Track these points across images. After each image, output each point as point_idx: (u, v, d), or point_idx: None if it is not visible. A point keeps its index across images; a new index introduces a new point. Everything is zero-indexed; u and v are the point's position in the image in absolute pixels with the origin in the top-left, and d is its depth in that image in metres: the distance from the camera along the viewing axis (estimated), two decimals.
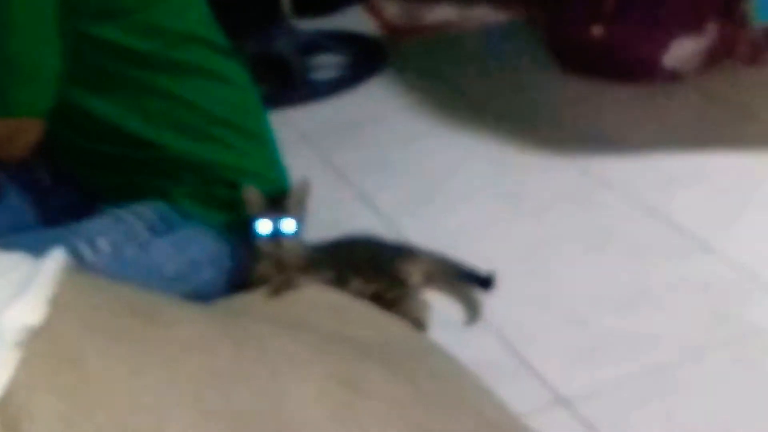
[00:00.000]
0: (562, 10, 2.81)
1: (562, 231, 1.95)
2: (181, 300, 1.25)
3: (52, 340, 0.85)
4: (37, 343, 0.83)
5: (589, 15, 2.61)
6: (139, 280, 1.39)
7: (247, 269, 1.51)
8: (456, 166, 2.27)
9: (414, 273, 1.65)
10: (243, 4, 3.02)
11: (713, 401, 1.46)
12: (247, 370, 0.98)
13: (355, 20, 3.36)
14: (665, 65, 2.54)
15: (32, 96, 1.42)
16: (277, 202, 1.48)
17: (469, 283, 1.73)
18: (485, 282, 1.71)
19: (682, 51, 2.52)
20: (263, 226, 1.46)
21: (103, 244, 1.44)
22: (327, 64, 2.98)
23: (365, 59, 3.01)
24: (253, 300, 1.45)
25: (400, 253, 1.69)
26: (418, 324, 1.56)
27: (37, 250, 0.97)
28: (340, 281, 1.52)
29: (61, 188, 1.65)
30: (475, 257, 1.76)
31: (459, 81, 2.79)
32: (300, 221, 1.48)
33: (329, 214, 1.87)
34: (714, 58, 2.56)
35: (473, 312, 1.69)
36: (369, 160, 2.36)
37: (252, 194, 1.47)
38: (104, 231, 1.46)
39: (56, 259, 0.96)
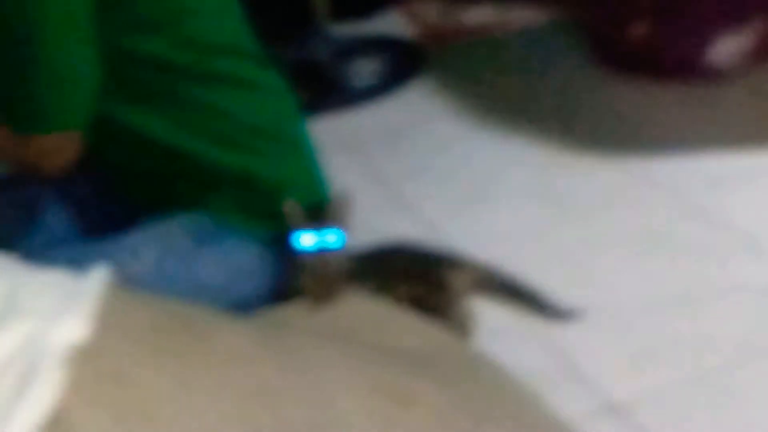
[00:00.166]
0: (602, 10, 2.79)
1: (609, 234, 1.93)
2: (223, 312, 1.24)
3: (98, 357, 0.85)
4: (83, 361, 0.83)
5: (629, 14, 2.59)
6: (181, 292, 1.38)
7: (289, 280, 1.50)
8: (498, 170, 2.26)
9: (458, 280, 1.64)
10: (279, 11, 3.04)
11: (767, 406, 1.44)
12: (291, 382, 0.97)
13: (392, 24, 3.36)
14: (709, 63, 2.51)
15: (71, 111, 1.42)
16: (319, 215, 1.47)
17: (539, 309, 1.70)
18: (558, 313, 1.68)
19: (727, 48, 2.49)
20: (306, 240, 1.45)
21: (145, 256, 1.45)
22: (365, 70, 2.98)
23: (403, 64, 3.01)
24: (295, 311, 1.45)
25: (445, 260, 1.67)
26: (463, 330, 1.54)
27: (80, 263, 0.97)
28: (382, 289, 1.52)
29: (102, 201, 1.65)
30: (519, 262, 1.74)
31: (499, 84, 2.77)
32: (343, 233, 1.47)
33: (370, 221, 1.85)
34: (760, 56, 2.53)
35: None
36: (409, 166, 2.36)
37: (292, 208, 1.46)
38: (146, 243, 1.46)
39: (100, 274, 0.96)
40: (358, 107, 2.77)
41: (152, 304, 1.01)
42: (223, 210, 1.51)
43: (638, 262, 1.82)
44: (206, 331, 0.99)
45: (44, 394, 0.77)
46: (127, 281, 1.33)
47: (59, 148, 1.44)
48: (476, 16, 3.34)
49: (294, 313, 1.43)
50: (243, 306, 1.45)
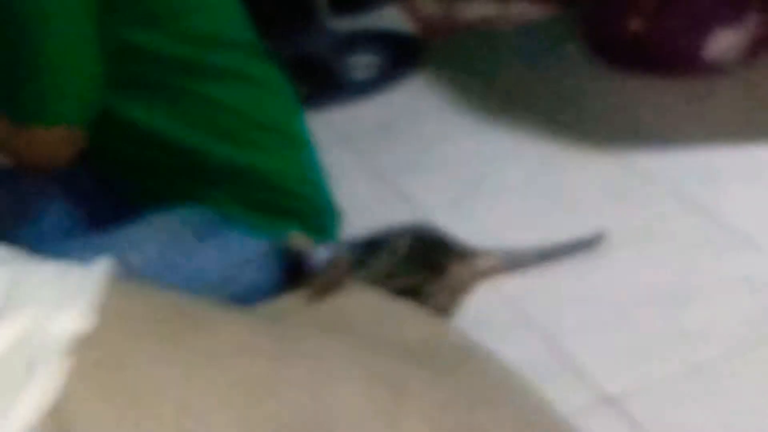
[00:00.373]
0: (600, 5, 2.80)
1: (606, 227, 1.93)
2: (225, 304, 1.26)
3: (102, 348, 0.87)
4: (86, 351, 0.85)
5: (628, 9, 2.60)
6: (184, 285, 1.40)
7: (293, 276, 1.52)
8: (496, 164, 2.27)
9: (461, 271, 1.65)
10: (278, 5, 3.04)
11: (760, 398, 1.46)
12: (291, 372, 0.99)
13: (392, 19, 3.36)
14: (706, 58, 2.52)
15: (72, 105, 1.43)
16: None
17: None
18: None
19: (723, 43, 2.50)
20: (319, 255, 1.47)
21: (148, 249, 1.46)
22: (364, 64, 2.98)
23: (402, 58, 3.01)
24: (295, 303, 1.46)
25: (455, 250, 1.69)
26: (441, 311, 1.56)
27: (84, 257, 0.99)
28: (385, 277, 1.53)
29: (106, 195, 1.67)
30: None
31: (497, 78, 2.78)
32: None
33: (368, 214, 1.87)
34: (755, 51, 2.54)
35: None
36: (407, 159, 2.37)
37: (298, 239, 1.48)
38: (149, 236, 1.48)
39: (103, 266, 0.97)
40: (357, 101, 2.78)
41: (153, 296, 1.03)
42: (224, 203, 1.52)
43: (634, 256, 1.83)
44: (207, 321, 1.00)
45: (47, 383, 0.80)
46: (128, 274, 1.35)
47: (61, 141, 1.45)
48: (475, 10, 3.35)
49: (294, 305, 1.44)
50: (245, 297, 1.47)
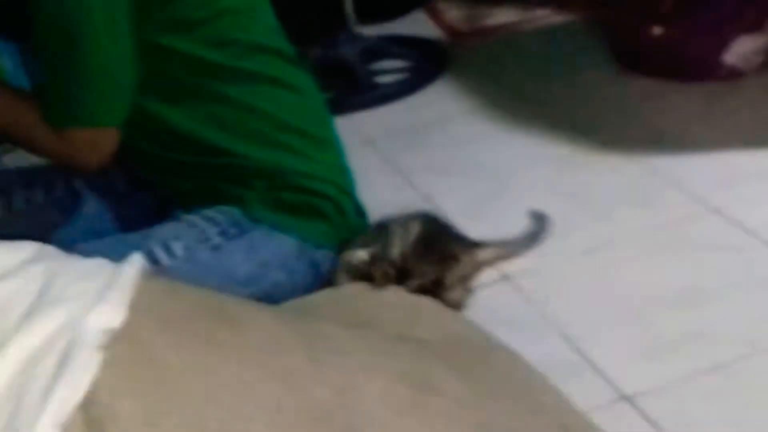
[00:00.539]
0: (622, 11, 2.80)
1: (627, 230, 1.94)
2: (253, 302, 1.28)
3: (133, 343, 0.88)
4: (118, 346, 0.85)
5: (648, 15, 2.60)
6: (213, 283, 1.41)
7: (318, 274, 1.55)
8: (519, 168, 2.27)
9: (467, 263, 1.67)
10: (308, 11, 3.06)
11: None
12: (317, 369, 0.99)
13: (418, 25, 3.38)
14: (726, 63, 2.52)
15: (109, 106, 1.46)
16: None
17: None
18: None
19: (743, 49, 2.50)
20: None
21: (177, 248, 1.48)
22: (391, 69, 3.00)
23: (428, 63, 3.03)
24: (323, 299, 1.48)
25: (464, 242, 1.71)
26: (456, 305, 1.58)
27: (115, 255, 1.01)
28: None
29: (137, 195, 1.69)
30: (539, 257, 1.78)
31: (521, 83, 2.79)
32: None
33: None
34: None
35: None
36: (433, 163, 2.38)
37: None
38: (179, 236, 1.50)
39: (134, 264, 0.99)
40: (385, 106, 2.79)
41: (184, 293, 1.05)
42: (254, 203, 1.54)
43: (655, 258, 1.83)
44: (236, 318, 1.02)
45: (81, 377, 0.81)
46: (159, 272, 1.38)
47: (96, 142, 1.48)
48: (499, 16, 3.36)
49: (319, 302, 1.46)
50: (272, 296, 1.49)
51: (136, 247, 1.09)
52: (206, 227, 1.51)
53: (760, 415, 1.43)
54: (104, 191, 1.68)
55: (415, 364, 1.13)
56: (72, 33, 1.38)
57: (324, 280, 1.58)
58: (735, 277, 1.74)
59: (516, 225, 1.94)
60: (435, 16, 3.48)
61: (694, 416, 1.45)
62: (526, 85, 2.76)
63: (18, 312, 0.86)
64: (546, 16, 3.28)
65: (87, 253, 1.00)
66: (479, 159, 2.36)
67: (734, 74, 2.53)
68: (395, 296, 1.50)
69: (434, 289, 1.53)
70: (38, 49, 1.44)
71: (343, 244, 1.59)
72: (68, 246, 1.04)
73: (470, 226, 1.75)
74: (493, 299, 1.70)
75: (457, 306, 1.58)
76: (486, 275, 1.75)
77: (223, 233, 1.51)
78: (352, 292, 1.51)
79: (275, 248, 1.54)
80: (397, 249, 1.57)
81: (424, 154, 2.43)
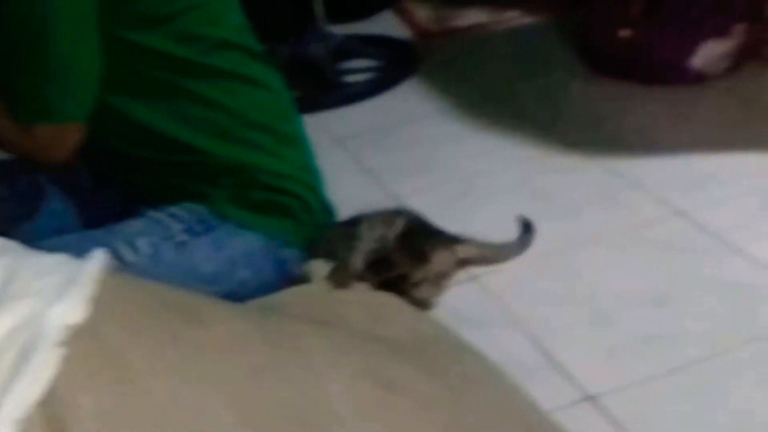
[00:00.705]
0: (591, 13, 2.83)
1: (592, 231, 1.96)
2: (218, 299, 1.27)
3: (94, 339, 0.87)
4: (79, 342, 0.85)
5: (617, 18, 2.63)
6: (177, 281, 1.41)
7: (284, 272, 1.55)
8: (487, 168, 2.29)
9: (439, 260, 1.67)
10: (277, 9, 3.06)
11: (740, 399, 1.47)
12: (282, 367, 0.99)
13: (387, 25, 3.39)
14: (693, 67, 2.55)
15: (74, 101, 1.44)
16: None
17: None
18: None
19: (710, 53, 2.53)
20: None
21: (142, 245, 1.47)
22: (360, 69, 3.01)
23: (397, 63, 3.04)
24: (288, 298, 1.47)
25: (436, 236, 1.71)
26: (423, 304, 1.58)
27: (79, 251, 1.00)
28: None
29: (102, 191, 1.67)
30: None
31: (489, 83, 2.81)
32: None
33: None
34: (741, 60, 2.57)
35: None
36: (401, 163, 2.39)
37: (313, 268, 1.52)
38: (143, 232, 1.49)
39: (98, 259, 0.98)
40: (353, 105, 2.80)
41: (148, 290, 1.04)
42: (220, 201, 1.53)
43: (619, 259, 1.85)
44: (200, 315, 1.01)
45: (41, 373, 0.80)
46: (124, 269, 1.37)
47: (61, 137, 1.46)
48: (468, 17, 3.37)
49: (285, 300, 1.45)
50: (238, 294, 1.48)
51: (101, 244, 1.08)
52: (171, 224, 1.50)
53: (722, 415, 1.45)
54: (69, 187, 1.66)
55: (381, 362, 1.13)
56: (36, 27, 1.37)
57: (290, 278, 1.58)
58: (698, 278, 1.76)
59: (483, 225, 1.94)
60: (404, 16, 3.49)
61: (656, 416, 1.46)
62: (495, 86, 2.78)
63: None
64: (515, 18, 3.31)
65: (50, 249, 0.99)
66: (447, 159, 2.37)
67: (700, 78, 2.56)
68: (361, 295, 1.50)
69: (399, 285, 1.54)
70: (2, 43, 1.42)
71: (313, 241, 1.60)
72: (31, 242, 1.03)
73: (437, 224, 1.75)
74: (459, 298, 1.71)
75: (424, 304, 1.58)
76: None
77: (188, 230, 1.50)
78: (318, 290, 1.51)
79: (241, 246, 1.53)
80: (367, 247, 1.58)
81: (392, 153, 2.44)
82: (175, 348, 0.93)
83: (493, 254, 1.80)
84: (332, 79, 2.94)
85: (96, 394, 0.83)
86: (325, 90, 2.90)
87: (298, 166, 1.64)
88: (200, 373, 0.91)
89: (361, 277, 1.54)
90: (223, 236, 1.52)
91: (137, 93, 1.49)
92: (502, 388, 1.31)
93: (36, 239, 1.32)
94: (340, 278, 1.49)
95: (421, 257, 1.63)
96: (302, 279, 1.56)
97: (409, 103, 2.75)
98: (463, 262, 1.74)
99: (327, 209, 1.69)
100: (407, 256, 1.61)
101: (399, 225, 1.65)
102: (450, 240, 1.72)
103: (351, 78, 2.97)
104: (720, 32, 2.52)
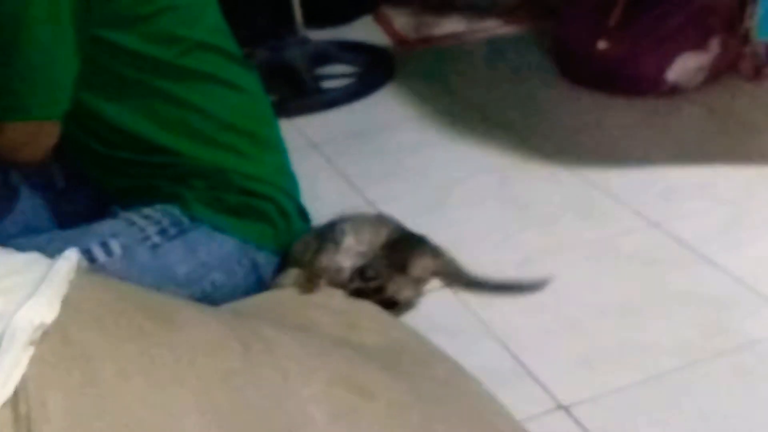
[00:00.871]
0: (568, 25, 2.84)
1: (566, 240, 1.96)
2: (191, 302, 1.27)
3: (64, 339, 0.88)
4: (49, 342, 0.86)
5: (595, 29, 2.65)
6: (151, 282, 1.41)
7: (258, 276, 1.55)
8: (463, 175, 2.29)
9: (420, 267, 1.68)
10: (256, 13, 3.06)
11: (711, 410, 1.47)
12: (254, 371, 1.00)
13: (366, 31, 3.40)
14: (669, 79, 2.57)
15: (49, 100, 1.44)
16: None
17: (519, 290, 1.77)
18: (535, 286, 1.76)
19: (686, 66, 2.55)
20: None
21: (115, 246, 1.47)
22: (337, 74, 3.01)
23: (375, 69, 3.04)
24: (261, 302, 1.47)
25: (418, 245, 1.71)
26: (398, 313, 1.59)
27: (51, 251, 1.00)
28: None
29: (76, 191, 1.67)
30: (479, 264, 1.79)
31: (467, 91, 2.82)
32: None
33: None
34: (716, 73, 2.59)
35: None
36: (377, 168, 2.39)
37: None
38: (116, 233, 1.49)
39: (69, 259, 0.98)
40: (330, 110, 2.80)
41: (120, 291, 1.04)
42: (195, 203, 1.54)
43: (592, 269, 1.85)
44: (171, 317, 1.01)
45: (10, 372, 0.81)
46: (96, 270, 1.36)
47: (36, 136, 1.46)
48: (447, 26, 3.38)
49: (260, 304, 1.46)
50: (211, 297, 1.49)
51: (73, 244, 1.08)
52: (145, 226, 1.51)
53: (694, 425, 1.45)
54: (42, 186, 1.66)
55: (354, 368, 1.14)
56: (11, 24, 1.36)
57: (265, 282, 1.58)
58: (671, 289, 1.76)
59: (458, 232, 1.95)
60: (383, 23, 3.50)
61: (629, 426, 1.46)
62: (472, 95, 2.79)
63: None
64: (494, 27, 3.32)
65: (22, 249, 1.01)
66: (423, 166, 2.37)
67: (676, 90, 2.58)
68: (336, 301, 1.50)
69: (375, 295, 1.54)
70: None
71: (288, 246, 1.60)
72: (3, 241, 1.03)
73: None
74: (433, 306, 1.71)
75: (405, 306, 1.59)
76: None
77: (162, 232, 1.50)
78: (292, 295, 1.51)
79: (215, 249, 1.54)
80: (355, 249, 1.58)
81: (368, 159, 2.44)
82: (146, 349, 0.93)
83: (458, 277, 1.80)
84: (309, 84, 2.94)
85: (65, 394, 0.84)
86: (302, 95, 2.90)
87: (274, 170, 1.64)
88: (171, 375, 0.92)
89: (340, 282, 1.54)
90: (197, 239, 1.52)
91: (112, 93, 1.50)
92: (475, 396, 1.32)
93: (8, 238, 1.32)
94: (306, 282, 1.49)
95: (401, 268, 1.64)
96: (276, 285, 1.56)
97: (386, 110, 2.75)
98: (437, 274, 1.75)
99: (303, 214, 1.69)
100: (387, 266, 1.62)
101: (383, 234, 1.66)
102: (430, 250, 1.73)
103: (328, 83, 2.97)
104: (696, 45, 2.54)
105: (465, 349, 1.44)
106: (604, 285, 1.80)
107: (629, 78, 2.60)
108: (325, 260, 1.57)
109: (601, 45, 2.61)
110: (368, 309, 1.49)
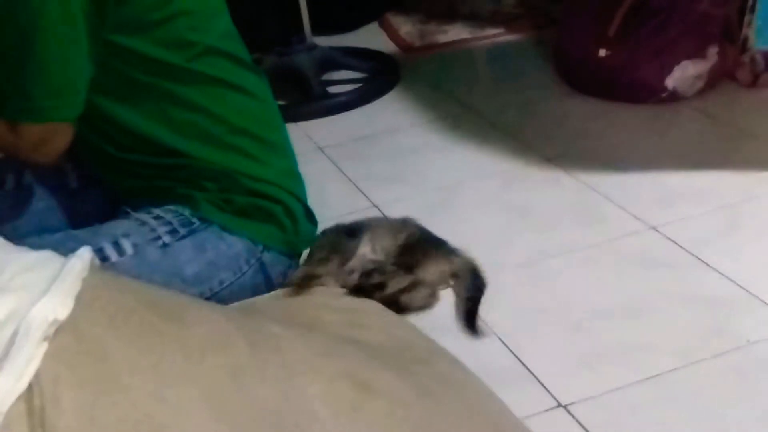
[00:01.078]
0: (569, 33, 2.86)
1: (567, 243, 1.98)
2: (200, 300, 1.28)
3: (78, 335, 0.88)
4: (62, 338, 0.86)
5: (595, 38, 2.66)
6: (161, 281, 1.42)
7: (266, 276, 1.56)
8: (465, 179, 2.31)
9: (432, 271, 1.68)
10: (265, 20, 3.08)
11: (707, 410, 1.48)
12: (261, 368, 1.00)
13: (372, 38, 3.42)
14: (668, 87, 2.59)
15: (62, 102, 1.44)
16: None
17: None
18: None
19: (685, 73, 2.57)
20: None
21: (126, 245, 1.48)
22: (344, 80, 3.03)
23: (381, 75, 3.06)
24: (268, 301, 1.48)
25: (435, 248, 1.71)
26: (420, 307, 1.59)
27: (64, 250, 1.01)
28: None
29: (88, 192, 1.68)
30: (481, 266, 1.80)
31: (469, 97, 2.84)
32: None
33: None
34: (715, 81, 2.61)
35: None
36: (382, 173, 2.41)
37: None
38: (128, 233, 1.50)
39: (82, 257, 0.99)
40: (337, 115, 2.82)
41: (131, 289, 1.04)
42: (204, 204, 1.54)
43: (592, 271, 1.88)
44: (181, 315, 1.02)
45: (24, 367, 0.82)
46: (108, 268, 1.38)
47: (49, 138, 1.47)
48: (451, 34, 3.40)
49: (267, 303, 1.46)
50: (219, 296, 1.50)
51: (86, 243, 1.09)
52: (156, 226, 1.51)
53: (691, 425, 1.47)
54: (55, 187, 1.66)
55: (358, 366, 1.14)
56: (26, 28, 1.37)
57: (272, 282, 1.59)
58: (669, 292, 1.78)
59: (460, 235, 1.95)
60: (388, 30, 3.51)
61: (627, 425, 1.48)
62: (474, 100, 2.81)
63: None
64: (496, 35, 3.34)
65: (36, 247, 1.00)
66: (427, 170, 2.39)
67: (675, 98, 2.60)
68: (340, 300, 1.51)
69: (376, 291, 1.54)
70: None
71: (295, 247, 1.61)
72: (18, 240, 1.04)
73: None
74: (436, 306, 1.71)
75: (420, 308, 1.59)
76: None
77: (172, 232, 1.51)
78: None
79: (224, 249, 1.54)
80: (367, 257, 1.59)
81: (373, 163, 2.46)
82: (157, 346, 0.94)
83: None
84: (317, 90, 2.95)
85: (78, 390, 0.84)
86: (309, 99, 2.92)
87: (282, 173, 1.65)
88: (181, 371, 0.92)
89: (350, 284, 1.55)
90: (207, 239, 1.53)
91: (124, 96, 1.50)
92: (476, 393, 1.32)
93: (22, 237, 1.32)
94: (299, 286, 1.49)
95: (408, 268, 1.64)
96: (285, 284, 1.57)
97: (391, 115, 2.77)
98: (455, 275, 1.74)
99: (310, 215, 1.70)
100: (393, 264, 1.62)
101: (401, 239, 1.66)
102: (448, 252, 1.72)
103: (335, 89, 2.98)
104: (695, 53, 2.56)
105: (467, 348, 1.45)
106: (604, 287, 1.82)
107: (629, 85, 2.62)
108: (335, 267, 1.58)
109: (602, 53, 2.63)
110: (373, 308, 1.49)
